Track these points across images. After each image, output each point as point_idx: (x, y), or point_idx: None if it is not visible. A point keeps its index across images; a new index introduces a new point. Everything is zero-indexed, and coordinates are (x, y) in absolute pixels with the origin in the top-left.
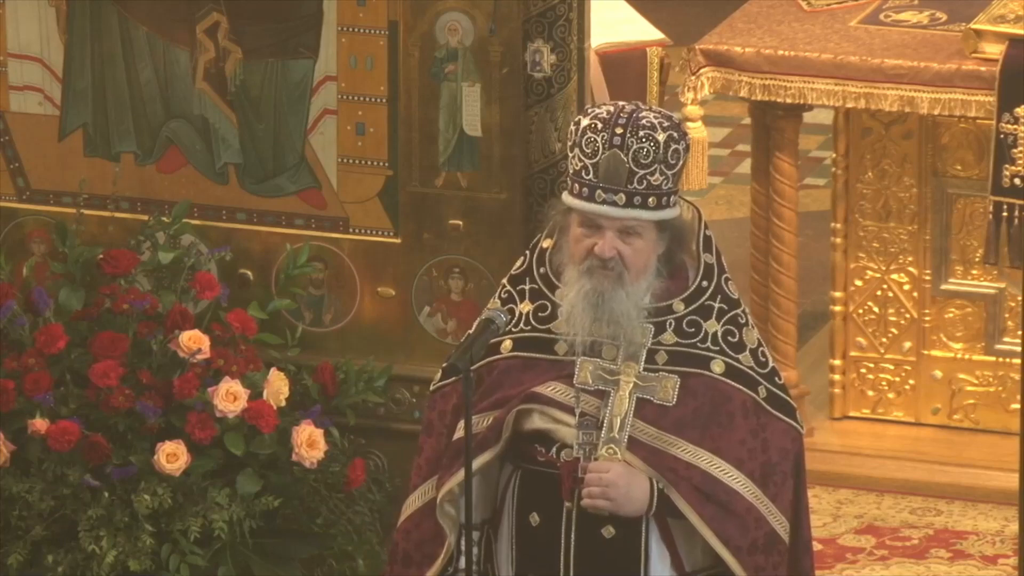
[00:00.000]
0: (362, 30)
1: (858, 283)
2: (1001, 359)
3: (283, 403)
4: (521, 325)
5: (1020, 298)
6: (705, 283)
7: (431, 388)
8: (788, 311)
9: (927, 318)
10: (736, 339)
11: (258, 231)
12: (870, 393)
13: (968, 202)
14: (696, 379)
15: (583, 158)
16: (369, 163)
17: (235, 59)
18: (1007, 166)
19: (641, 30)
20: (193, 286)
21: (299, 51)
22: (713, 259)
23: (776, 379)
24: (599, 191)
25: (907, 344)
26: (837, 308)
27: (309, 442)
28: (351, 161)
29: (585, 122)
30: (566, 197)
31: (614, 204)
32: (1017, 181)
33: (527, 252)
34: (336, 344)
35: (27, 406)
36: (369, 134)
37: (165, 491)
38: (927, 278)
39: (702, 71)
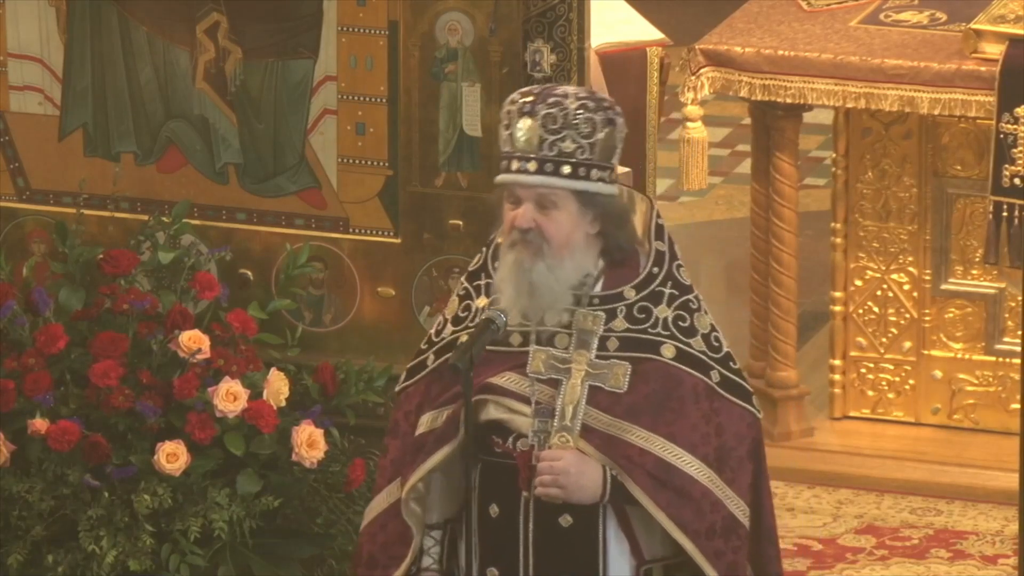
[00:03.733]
0: (362, 30)
1: (858, 283)
2: (1001, 359)
3: (283, 403)
4: (478, 320)
5: (1020, 298)
6: (656, 269)
7: (396, 389)
8: (788, 311)
9: (927, 318)
10: (687, 324)
11: (258, 231)
12: (870, 393)
13: (968, 202)
14: (647, 364)
15: (504, 131)
16: (369, 163)
17: (235, 59)
18: (1007, 166)
19: (641, 30)
20: (193, 286)
21: (299, 51)
22: (665, 247)
23: (731, 364)
24: (514, 160)
25: (907, 344)
26: (837, 308)
27: (309, 442)
28: (351, 161)
29: (509, 98)
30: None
31: (526, 171)
32: (1017, 181)
33: (483, 248)
34: (336, 344)
35: (27, 406)
36: (369, 134)
37: (165, 491)
38: (927, 278)
39: (702, 71)
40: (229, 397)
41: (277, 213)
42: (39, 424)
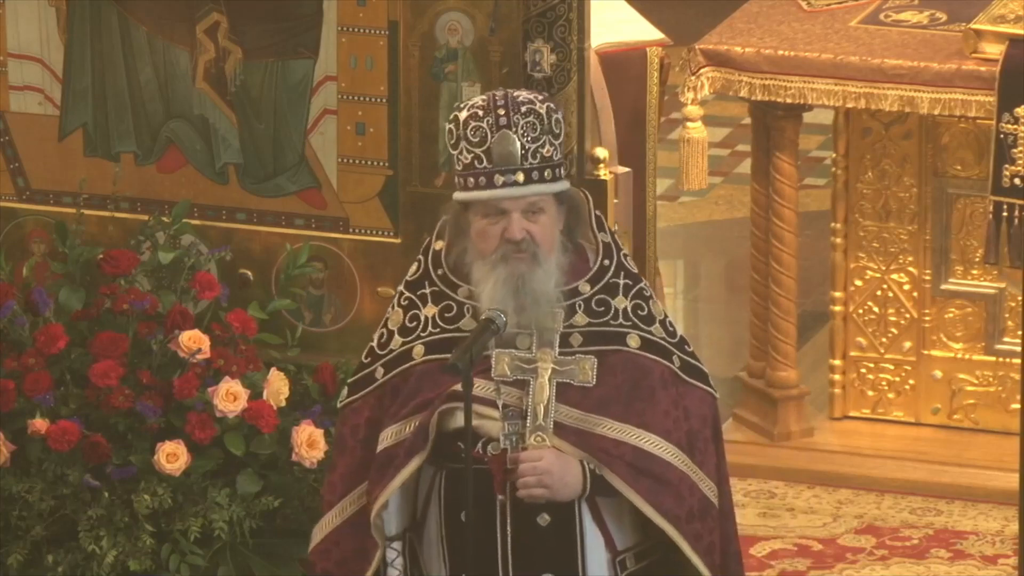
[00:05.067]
0: (362, 30)
1: (858, 283)
2: (1001, 359)
3: (283, 403)
4: (430, 328)
5: (1020, 298)
6: (607, 262)
7: (339, 404)
8: (788, 311)
9: (927, 318)
10: (645, 312)
11: (258, 231)
12: (870, 393)
13: (968, 202)
14: (614, 356)
15: (472, 148)
16: (369, 163)
17: (235, 59)
18: (1007, 166)
19: (641, 30)
20: (193, 286)
21: (299, 51)
22: (609, 238)
23: (686, 347)
24: (497, 175)
25: (907, 344)
26: (837, 308)
27: (309, 442)
28: (351, 161)
29: (464, 115)
30: (462, 195)
31: (515, 184)
32: (1017, 181)
33: (420, 257)
34: (336, 344)
35: (27, 406)
36: (369, 134)
37: (165, 491)
38: (927, 278)
39: (702, 71)
40: (229, 397)
41: (277, 213)
42: (39, 424)
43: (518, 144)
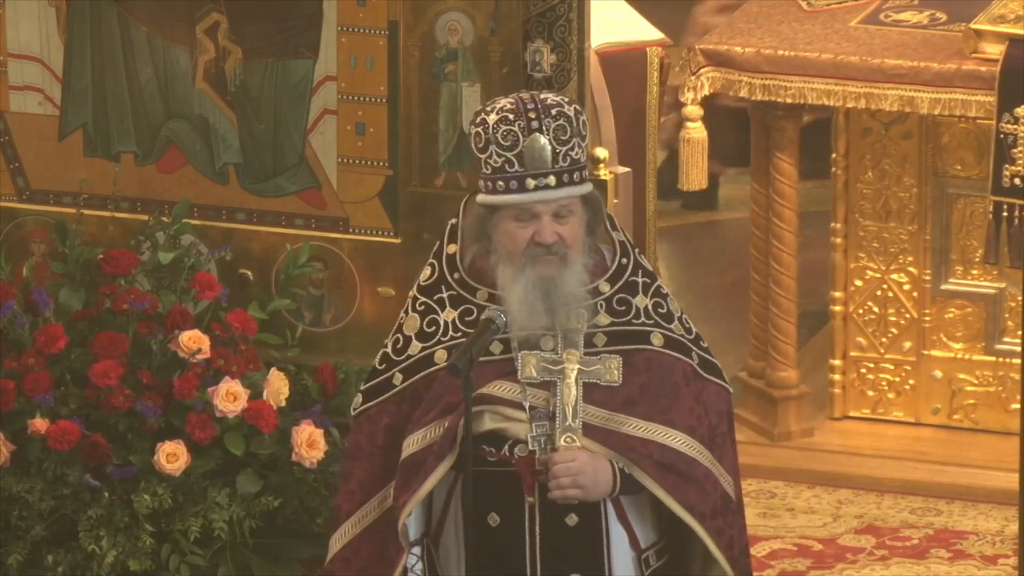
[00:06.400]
0: (362, 30)
1: (858, 283)
2: (1001, 359)
3: (283, 403)
4: (451, 333)
5: (1020, 298)
6: (624, 260)
7: (353, 412)
8: (788, 311)
9: (927, 318)
10: (665, 310)
11: (258, 231)
12: (870, 393)
13: (968, 202)
14: (638, 355)
15: (503, 152)
16: (369, 163)
17: (235, 59)
18: (1007, 166)
19: (641, 30)
20: (193, 286)
21: (299, 51)
22: (623, 236)
23: (701, 343)
24: (529, 179)
25: (907, 344)
26: (837, 308)
27: (309, 442)
28: (351, 161)
29: (494, 118)
30: (491, 198)
31: (547, 187)
32: (1017, 181)
33: (432, 261)
34: (336, 344)
35: (27, 406)
36: (369, 134)
37: (165, 491)
38: (927, 278)
39: (702, 71)
40: (229, 397)
41: (277, 213)
42: (39, 424)
43: (550, 147)
